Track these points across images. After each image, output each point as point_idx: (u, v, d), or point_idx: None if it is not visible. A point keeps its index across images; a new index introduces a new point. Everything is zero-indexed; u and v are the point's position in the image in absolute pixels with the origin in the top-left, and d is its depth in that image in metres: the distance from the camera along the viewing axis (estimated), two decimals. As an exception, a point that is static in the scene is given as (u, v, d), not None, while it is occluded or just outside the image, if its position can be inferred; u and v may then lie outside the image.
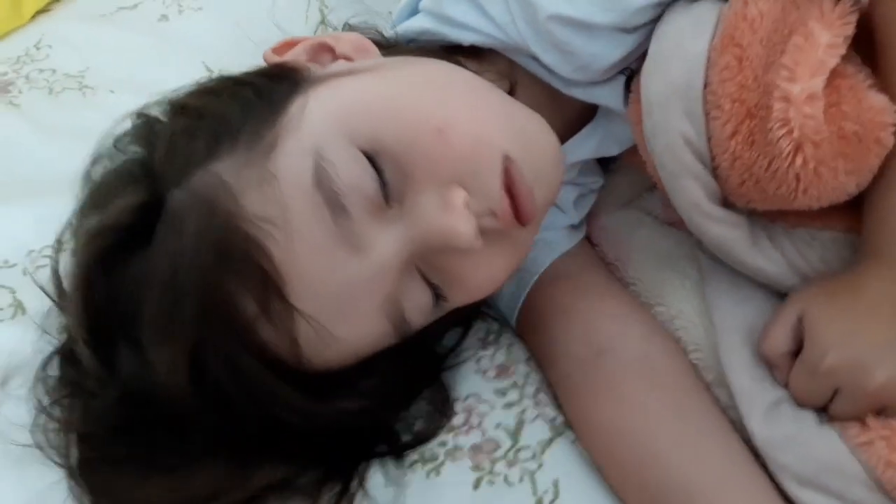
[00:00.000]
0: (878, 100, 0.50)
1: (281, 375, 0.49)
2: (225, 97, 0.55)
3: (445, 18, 0.62)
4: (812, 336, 0.50)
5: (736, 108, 0.51)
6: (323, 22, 0.93)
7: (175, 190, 0.49)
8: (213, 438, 0.50)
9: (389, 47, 0.64)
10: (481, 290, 0.55)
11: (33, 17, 0.95)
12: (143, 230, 0.49)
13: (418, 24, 0.64)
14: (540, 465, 0.56)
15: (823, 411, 0.51)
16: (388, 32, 0.68)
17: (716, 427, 0.54)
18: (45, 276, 0.61)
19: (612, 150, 0.66)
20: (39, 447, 0.53)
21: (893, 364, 0.48)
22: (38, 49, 0.90)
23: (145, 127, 0.57)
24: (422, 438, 0.59)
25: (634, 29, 0.57)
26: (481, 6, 0.60)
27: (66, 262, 0.59)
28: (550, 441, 0.59)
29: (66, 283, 0.54)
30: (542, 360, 0.63)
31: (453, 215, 0.49)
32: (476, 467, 0.57)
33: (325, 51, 0.60)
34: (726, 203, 0.56)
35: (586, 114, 0.65)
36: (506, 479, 0.56)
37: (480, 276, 0.54)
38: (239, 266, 0.47)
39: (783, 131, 0.49)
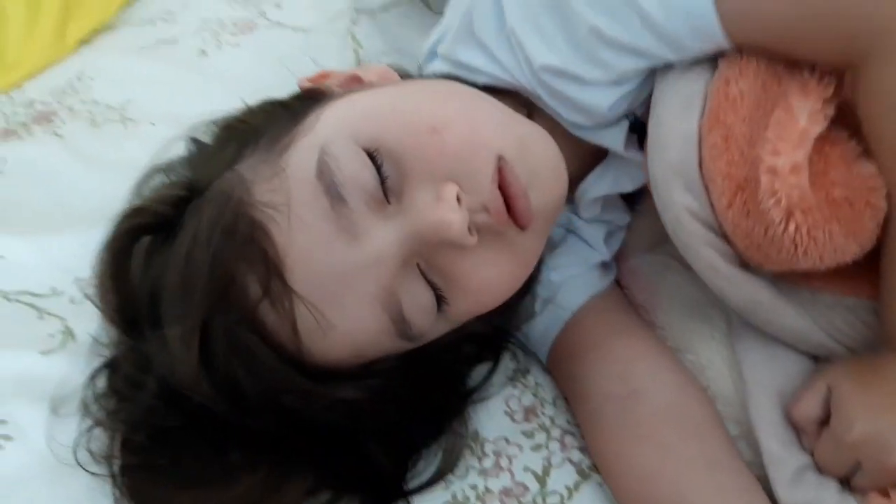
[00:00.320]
0: (866, 167, 0.53)
1: (283, 359, 0.51)
2: (257, 113, 0.62)
3: (459, 63, 0.65)
4: (839, 410, 0.52)
5: (727, 182, 0.54)
6: (358, 62, 0.95)
7: (205, 190, 0.54)
8: (249, 450, 0.53)
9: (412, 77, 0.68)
10: (483, 295, 0.56)
11: (76, 48, 0.96)
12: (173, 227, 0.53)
13: (437, 68, 0.68)
14: (568, 510, 0.58)
15: (847, 481, 0.53)
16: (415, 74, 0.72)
17: (744, 484, 0.56)
18: (91, 305, 0.64)
19: (627, 187, 0.68)
20: (89, 452, 0.56)
21: None
22: (80, 80, 0.92)
23: (192, 145, 0.63)
24: (439, 474, 0.60)
25: (627, 81, 0.60)
26: (491, 52, 0.63)
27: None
28: (578, 485, 0.61)
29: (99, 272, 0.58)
30: (573, 395, 0.65)
31: (444, 207, 0.50)
32: (507, 510, 0.59)
33: (354, 81, 0.64)
34: (747, 265, 0.58)
35: (602, 151, 0.67)
36: (536, 524, 0.58)
37: (480, 279, 0.54)
38: (245, 248, 0.50)
39: (772, 201, 0.52)
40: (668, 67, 0.59)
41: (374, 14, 1.01)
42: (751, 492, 0.55)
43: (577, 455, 0.64)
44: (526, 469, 0.62)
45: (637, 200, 0.73)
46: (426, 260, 0.53)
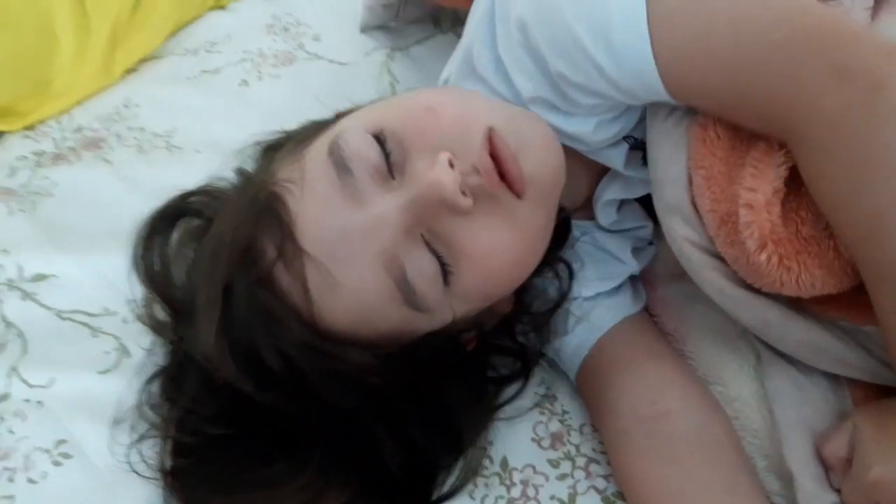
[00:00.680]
0: None
1: (297, 316, 0.56)
2: (300, 130, 0.70)
3: None
4: (859, 452, 0.55)
5: (712, 216, 0.58)
6: (393, 94, 0.99)
7: None
8: (290, 459, 0.57)
9: None
10: (485, 263, 0.58)
11: (122, 76, 0.99)
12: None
13: None
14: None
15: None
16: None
17: None
18: (142, 326, 0.68)
19: (638, 192, 0.70)
20: (143, 460, 0.60)
21: None
22: (127, 108, 0.94)
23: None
24: (459, 485, 0.63)
25: (603, 112, 0.63)
26: (491, 86, 0.67)
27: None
28: (603, 512, 0.63)
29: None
30: (601, 413, 0.67)
31: (436, 170, 0.55)
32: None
33: None
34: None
35: None
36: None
37: (480, 246, 0.58)
38: (263, 216, 0.56)
39: (748, 232, 0.56)
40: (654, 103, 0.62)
41: (408, 49, 1.05)
42: None
43: (601, 483, 0.66)
44: (552, 498, 0.65)
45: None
46: (429, 229, 0.57)
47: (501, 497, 0.65)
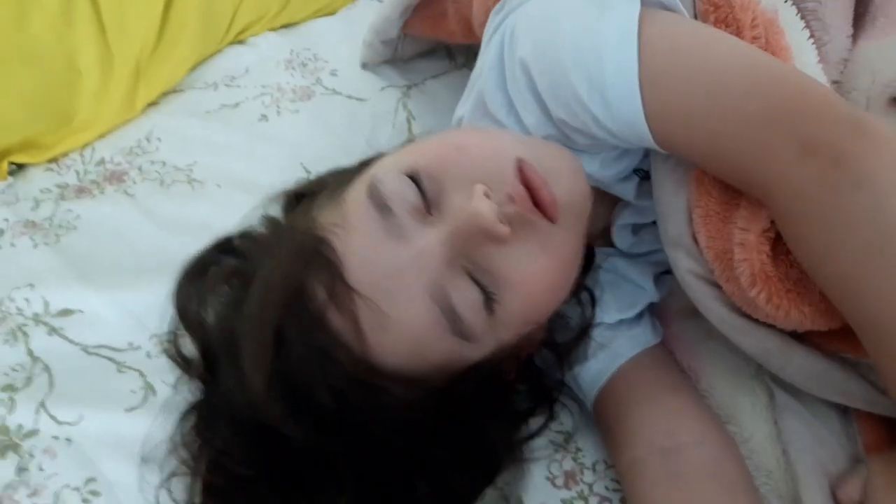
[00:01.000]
0: None
1: (353, 353, 0.57)
2: (327, 178, 0.72)
3: None
4: (870, 496, 0.57)
5: (709, 252, 0.61)
6: (410, 130, 1.00)
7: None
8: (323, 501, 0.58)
9: None
10: (527, 289, 0.60)
11: (143, 109, 1.00)
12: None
13: None
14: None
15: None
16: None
17: None
18: (166, 360, 0.69)
19: (651, 217, 0.72)
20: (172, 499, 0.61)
21: None
22: (148, 142, 0.96)
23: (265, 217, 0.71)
24: None
25: (603, 151, 0.67)
26: (504, 126, 0.69)
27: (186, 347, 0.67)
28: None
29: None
30: (617, 441, 0.68)
31: (474, 201, 0.57)
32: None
33: None
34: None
35: None
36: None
37: (521, 272, 0.60)
38: (311, 260, 0.57)
39: (740, 268, 0.58)
40: None
41: (423, 83, 1.07)
42: None
43: (613, 523, 0.67)
44: (565, 539, 0.66)
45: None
46: (470, 260, 0.58)
47: (516, 539, 0.66)
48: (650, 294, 0.75)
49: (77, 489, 0.64)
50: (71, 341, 0.74)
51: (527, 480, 0.69)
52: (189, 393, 0.65)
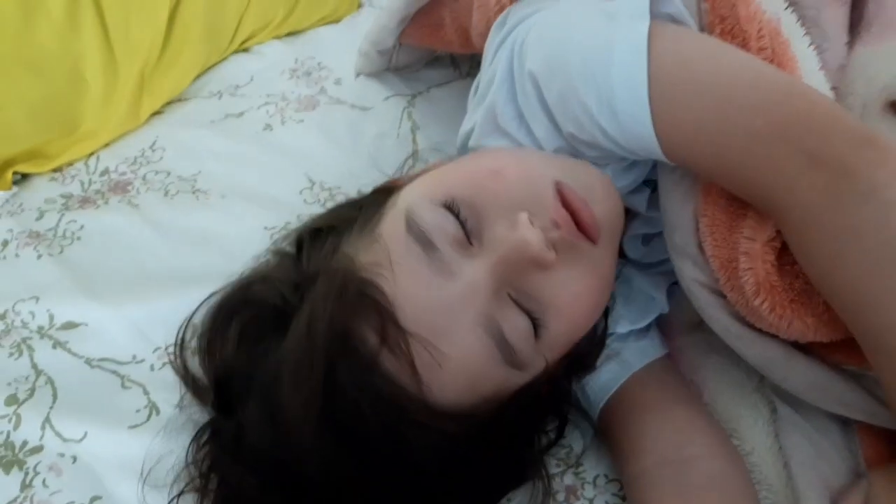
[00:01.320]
0: None
1: (411, 395, 0.56)
2: (345, 210, 0.70)
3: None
4: None
5: (715, 261, 0.61)
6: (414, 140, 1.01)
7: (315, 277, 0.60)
8: None
9: None
10: (573, 311, 0.61)
11: (148, 118, 1.00)
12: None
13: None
14: None
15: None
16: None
17: None
18: (170, 372, 0.70)
19: (661, 228, 0.72)
20: None
21: None
22: (153, 151, 0.96)
23: (283, 256, 0.68)
24: None
25: (613, 162, 0.67)
26: (515, 140, 0.69)
27: (190, 360, 0.68)
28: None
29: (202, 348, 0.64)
30: (624, 452, 0.68)
31: (521, 230, 0.57)
32: None
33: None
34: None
35: None
36: None
37: (568, 295, 0.60)
38: (358, 305, 0.56)
39: (745, 277, 0.58)
40: None
41: (428, 91, 1.07)
42: None
43: (612, 537, 0.67)
44: (565, 554, 0.66)
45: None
46: (515, 288, 0.59)
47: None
48: (661, 305, 0.75)
49: (82, 506, 0.64)
50: (75, 354, 0.74)
51: (528, 495, 0.68)
52: (193, 412, 0.65)
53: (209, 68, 1.08)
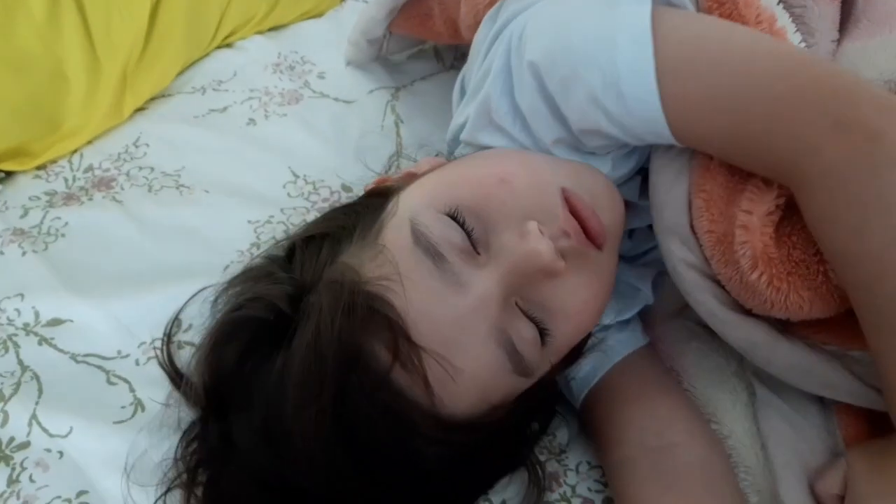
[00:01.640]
0: None
1: (425, 410, 0.56)
2: (339, 216, 0.67)
3: (482, 147, 0.72)
4: (851, 490, 0.57)
5: (709, 236, 0.61)
6: (398, 134, 1.01)
7: (312, 287, 0.58)
8: None
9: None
10: (581, 318, 0.62)
11: (131, 114, 1.00)
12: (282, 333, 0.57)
13: (463, 153, 0.74)
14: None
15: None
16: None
17: None
18: (155, 367, 0.70)
19: (647, 221, 0.72)
20: None
21: None
22: (136, 147, 0.96)
23: (272, 262, 0.66)
24: None
25: (613, 150, 0.67)
26: (509, 135, 0.69)
27: (176, 355, 0.68)
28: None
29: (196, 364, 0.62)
30: (606, 440, 0.69)
31: (531, 240, 0.57)
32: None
33: (410, 177, 0.70)
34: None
35: None
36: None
37: (576, 303, 0.61)
38: (367, 321, 0.55)
39: (742, 250, 0.59)
40: None
41: (412, 84, 1.08)
42: None
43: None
44: (548, 541, 0.66)
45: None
46: (522, 297, 0.59)
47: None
48: (646, 296, 0.76)
49: (69, 500, 0.64)
50: (61, 350, 0.75)
51: (509, 483, 0.68)
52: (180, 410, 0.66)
53: (192, 64, 1.08)
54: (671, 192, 0.64)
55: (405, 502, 0.59)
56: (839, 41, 0.73)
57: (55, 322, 0.77)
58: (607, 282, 0.64)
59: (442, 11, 0.90)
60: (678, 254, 0.64)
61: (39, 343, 0.75)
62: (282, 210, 0.89)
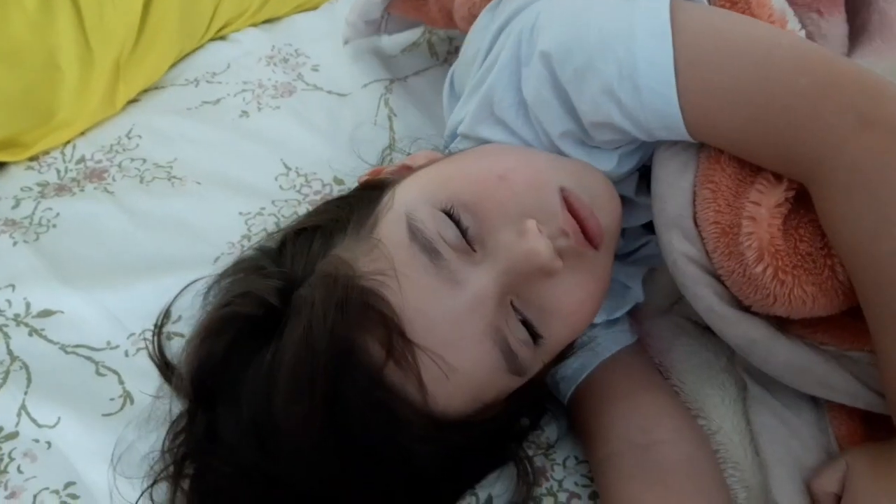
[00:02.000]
0: None
1: (418, 409, 0.55)
2: (332, 209, 0.67)
3: (481, 140, 0.71)
4: (849, 487, 0.57)
5: (714, 227, 0.61)
6: (391, 129, 1.01)
7: (303, 280, 0.58)
8: None
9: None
10: (576, 318, 0.62)
11: (124, 106, 1.00)
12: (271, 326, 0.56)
13: (461, 146, 0.74)
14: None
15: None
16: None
17: None
18: (144, 358, 0.70)
19: (642, 220, 0.72)
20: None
21: None
22: (129, 138, 0.96)
23: (263, 254, 0.66)
24: None
25: (621, 146, 0.66)
26: (511, 128, 0.68)
27: (166, 346, 0.69)
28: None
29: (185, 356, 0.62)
30: (592, 436, 0.69)
31: (530, 239, 0.57)
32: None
33: (406, 169, 0.70)
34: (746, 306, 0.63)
35: None
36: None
37: (572, 302, 0.60)
38: (361, 316, 0.54)
39: (748, 242, 0.58)
40: None
41: (405, 79, 1.07)
42: None
43: (581, 517, 0.68)
44: (535, 536, 0.66)
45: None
46: (518, 296, 0.59)
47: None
48: (636, 294, 0.76)
49: (56, 492, 0.64)
50: (51, 341, 0.75)
51: (496, 478, 0.68)
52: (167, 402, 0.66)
53: (185, 56, 1.08)
54: (676, 183, 0.63)
55: (392, 498, 0.58)
56: (849, 56, 0.73)
57: (46, 313, 0.77)
58: (603, 282, 0.64)
59: (437, 0, 0.90)
60: (679, 247, 0.63)
61: (30, 334, 0.75)
62: (273, 202, 0.89)
